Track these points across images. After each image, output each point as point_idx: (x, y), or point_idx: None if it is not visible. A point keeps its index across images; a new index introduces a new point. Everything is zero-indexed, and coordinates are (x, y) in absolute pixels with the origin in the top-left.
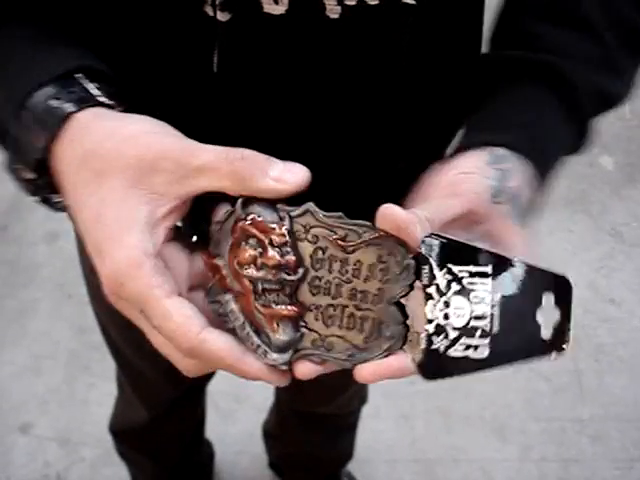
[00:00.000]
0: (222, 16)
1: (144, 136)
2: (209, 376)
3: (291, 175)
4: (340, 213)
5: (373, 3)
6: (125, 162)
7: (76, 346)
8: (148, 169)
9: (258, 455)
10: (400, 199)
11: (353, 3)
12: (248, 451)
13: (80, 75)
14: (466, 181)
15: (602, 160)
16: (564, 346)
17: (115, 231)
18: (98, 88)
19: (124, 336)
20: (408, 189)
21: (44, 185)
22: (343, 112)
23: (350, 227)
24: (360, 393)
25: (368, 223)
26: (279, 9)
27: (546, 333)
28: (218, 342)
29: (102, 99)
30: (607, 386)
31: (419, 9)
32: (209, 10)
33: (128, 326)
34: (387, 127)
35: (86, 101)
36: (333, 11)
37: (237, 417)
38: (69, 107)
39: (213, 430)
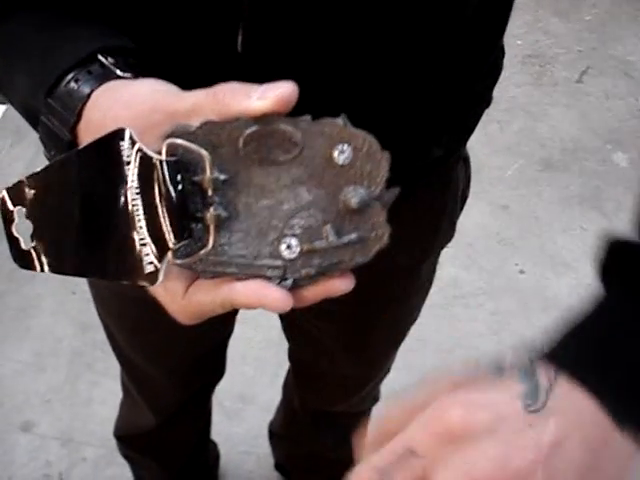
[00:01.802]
0: None
1: (141, 96)
2: (217, 378)
3: (274, 90)
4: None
5: None
6: (125, 123)
7: (79, 344)
8: (143, 126)
9: (264, 456)
10: (424, 190)
11: None
12: (254, 452)
13: (100, 54)
14: None
15: (616, 157)
16: None
17: None
18: (115, 63)
19: (130, 340)
20: (432, 180)
21: None
22: (372, 89)
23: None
24: (373, 392)
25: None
26: None
27: None
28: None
29: (119, 72)
30: None
31: None
32: None
33: (134, 331)
34: (419, 107)
35: (103, 78)
36: None
37: (243, 417)
38: (86, 88)
39: (218, 430)
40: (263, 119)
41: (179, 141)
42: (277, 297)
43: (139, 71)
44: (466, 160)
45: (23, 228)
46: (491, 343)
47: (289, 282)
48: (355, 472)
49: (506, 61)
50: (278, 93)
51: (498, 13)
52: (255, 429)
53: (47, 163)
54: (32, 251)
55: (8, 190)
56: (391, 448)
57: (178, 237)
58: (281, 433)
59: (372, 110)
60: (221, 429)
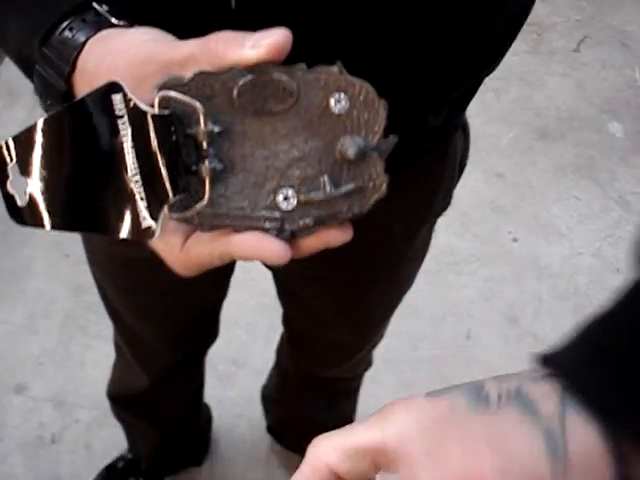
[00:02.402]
0: None
1: (135, 46)
2: (211, 341)
3: (267, 39)
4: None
5: None
6: (119, 74)
7: (72, 306)
8: (137, 78)
9: (256, 419)
10: (423, 157)
11: None
12: (246, 415)
13: (95, 2)
14: None
15: (611, 127)
16: None
17: None
18: (109, 11)
19: (124, 301)
20: (431, 148)
21: None
22: (375, 57)
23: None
24: (366, 358)
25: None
26: None
27: None
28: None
29: (113, 20)
30: None
31: None
32: None
33: (128, 292)
34: (420, 72)
35: (98, 26)
36: None
37: (235, 381)
38: (81, 36)
39: (211, 393)
40: (257, 68)
41: (172, 93)
42: (275, 249)
43: (134, 19)
44: (465, 128)
45: (18, 185)
46: (483, 310)
47: (287, 233)
48: None
49: None
50: (271, 41)
51: None
52: (247, 393)
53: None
54: (27, 207)
55: (5, 144)
56: None
57: (174, 191)
58: (273, 397)
59: (366, 68)
60: (214, 392)
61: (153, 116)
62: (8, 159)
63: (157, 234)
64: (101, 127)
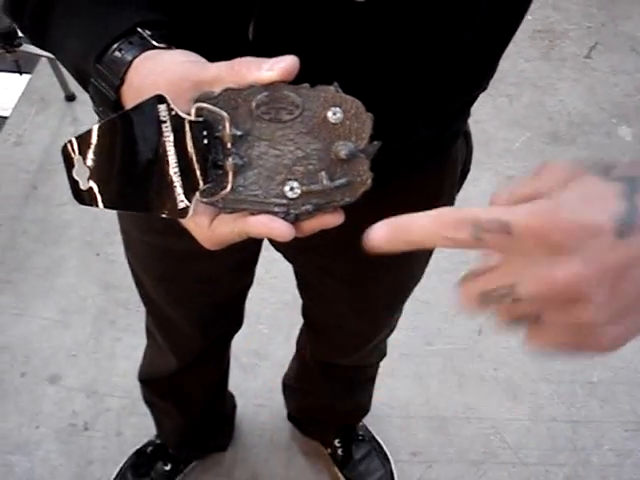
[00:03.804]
0: None
1: (173, 66)
2: (236, 328)
3: (280, 63)
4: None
5: None
6: (158, 89)
7: (103, 302)
8: (176, 92)
9: (277, 408)
10: (422, 164)
11: None
12: (268, 404)
13: (139, 27)
14: None
15: (620, 131)
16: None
17: None
18: (151, 35)
19: (158, 287)
20: (430, 155)
21: None
22: (371, 77)
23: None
24: (380, 347)
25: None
26: None
27: None
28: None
29: (154, 43)
30: (617, 350)
31: None
32: None
33: (162, 277)
34: (412, 91)
35: (142, 48)
36: None
37: (258, 372)
38: (128, 56)
39: (235, 384)
40: (271, 86)
41: (205, 105)
42: (282, 228)
43: (171, 42)
44: (467, 135)
45: (81, 172)
46: None
47: (292, 217)
48: (463, 285)
49: (516, 36)
50: (283, 65)
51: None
52: (269, 383)
53: (96, 121)
54: (89, 191)
55: (70, 142)
56: (497, 278)
57: (204, 180)
58: (293, 385)
59: (359, 87)
60: (238, 383)
61: (190, 122)
62: (72, 153)
63: (190, 214)
64: (148, 130)
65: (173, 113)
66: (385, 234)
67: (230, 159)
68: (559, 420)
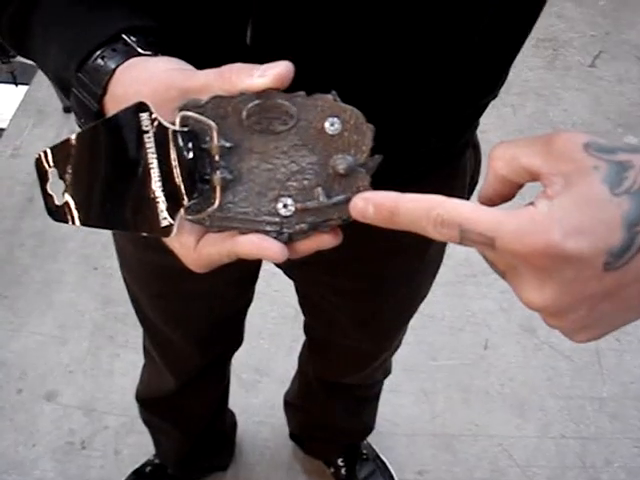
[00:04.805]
0: None
1: (159, 74)
2: (236, 346)
3: (273, 69)
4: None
5: None
6: (142, 97)
7: (101, 317)
8: (160, 101)
9: (279, 426)
10: (430, 176)
11: None
12: (269, 422)
13: (124, 34)
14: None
15: (627, 140)
16: None
17: None
18: (137, 42)
19: (155, 305)
20: (438, 167)
21: None
22: (377, 86)
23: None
24: (385, 365)
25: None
26: None
27: None
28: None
29: (140, 50)
30: (627, 365)
31: None
32: None
33: (159, 296)
34: (421, 102)
35: (126, 55)
36: None
37: (259, 389)
38: (111, 64)
39: (236, 401)
40: (264, 94)
41: (190, 113)
42: (274, 249)
43: (158, 49)
44: (475, 147)
45: (56, 186)
46: (501, 320)
47: (285, 236)
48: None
49: None
50: (276, 71)
51: (506, 34)
52: (270, 400)
53: (77, 131)
54: (64, 206)
55: (44, 153)
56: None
57: (189, 196)
58: (296, 403)
59: (364, 96)
60: (238, 400)
61: (174, 132)
62: (47, 165)
63: (174, 233)
64: (129, 140)
65: (156, 122)
66: (372, 209)
67: (218, 173)
68: (568, 437)
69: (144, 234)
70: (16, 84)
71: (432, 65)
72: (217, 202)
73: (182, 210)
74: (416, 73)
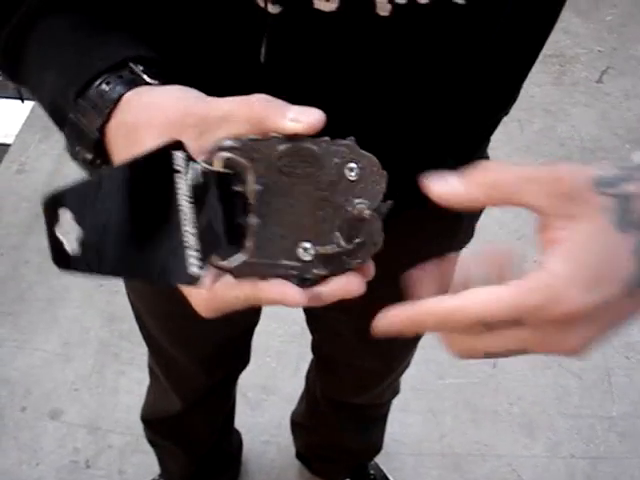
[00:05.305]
0: (273, 8)
1: (172, 101)
2: (242, 366)
3: (306, 116)
4: (326, 138)
5: (423, 2)
6: (157, 127)
7: (106, 334)
8: (175, 129)
9: (285, 445)
10: None
11: (404, 2)
12: (275, 441)
13: (130, 62)
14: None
15: (635, 157)
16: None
17: None
18: (144, 70)
19: (160, 325)
20: None
21: (102, 166)
22: (390, 107)
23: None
24: (394, 385)
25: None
26: (330, 6)
27: None
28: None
29: (147, 79)
30: (637, 383)
31: (469, 9)
32: (260, 1)
33: (165, 316)
34: (436, 122)
35: (133, 83)
36: (383, 9)
37: (265, 408)
38: (119, 90)
39: (242, 420)
40: (294, 138)
41: (230, 154)
42: (295, 295)
43: (164, 80)
44: None
45: (67, 230)
46: None
47: (303, 281)
48: (462, 311)
49: None
50: (311, 119)
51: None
52: (277, 419)
53: (75, 161)
54: (78, 253)
55: (56, 194)
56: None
57: (222, 241)
58: (303, 423)
59: (383, 124)
60: (244, 419)
61: (207, 172)
62: (57, 206)
63: (201, 281)
64: (159, 180)
65: (190, 162)
66: (396, 325)
67: (250, 217)
68: (577, 456)
69: (170, 283)
70: (22, 100)
71: (447, 86)
72: (248, 247)
73: (213, 257)
74: (430, 93)
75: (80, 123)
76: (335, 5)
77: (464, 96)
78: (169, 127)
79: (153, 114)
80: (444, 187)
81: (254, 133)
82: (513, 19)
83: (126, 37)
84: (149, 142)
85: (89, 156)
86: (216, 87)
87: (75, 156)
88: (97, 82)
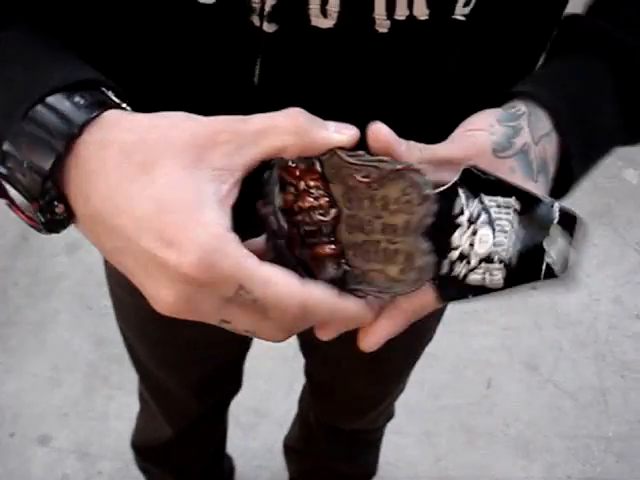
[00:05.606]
0: (268, 27)
1: (187, 121)
2: (234, 392)
3: (347, 129)
4: (362, 152)
5: (422, 18)
6: (179, 146)
7: (95, 358)
8: (205, 147)
9: (278, 470)
10: None
11: (402, 18)
12: (268, 466)
13: (95, 84)
14: (470, 137)
15: (627, 174)
16: (564, 273)
17: (185, 215)
18: (116, 95)
19: (151, 353)
20: None
21: (46, 204)
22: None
23: (371, 164)
24: (388, 409)
25: (387, 158)
26: (327, 23)
27: (550, 260)
28: (318, 289)
29: (120, 103)
30: (633, 403)
31: (469, 25)
32: (256, 20)
33: (154, 344)
34: (435, 139)
35: (106, 104)
36: (382, 25)
37: (258, 431)
38: (91, 109)
39: (234, 444)
40: (378, 158)
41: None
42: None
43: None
44: None
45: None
46: (503, 358)
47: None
48: None
49: None
50: (353, 132)
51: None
52: (269, 443)
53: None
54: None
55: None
56: None
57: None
58: (296, 447)
59: None
60: (236, 443)
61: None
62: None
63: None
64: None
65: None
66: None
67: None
68: (574, 478)
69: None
70: None
71: (446, 102)
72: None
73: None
74: (429, 109)
75: (21, 154)
76: (333, 22)
77: (464, 111)
78: (196, 146)
79: (172, 136)
80: (390, 136)
81: (299, 145)
82: (513, 35)
83: (81, 63)
84: (174, 169)
85: (43, 170)
86: (206, 108)
87: (12, 183)
88: (50, 102)
